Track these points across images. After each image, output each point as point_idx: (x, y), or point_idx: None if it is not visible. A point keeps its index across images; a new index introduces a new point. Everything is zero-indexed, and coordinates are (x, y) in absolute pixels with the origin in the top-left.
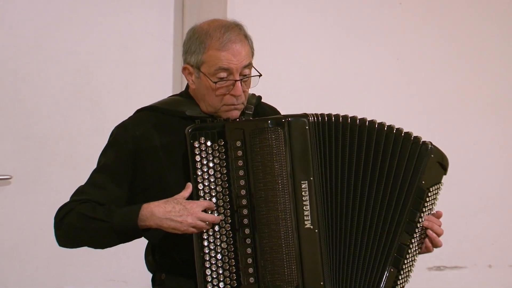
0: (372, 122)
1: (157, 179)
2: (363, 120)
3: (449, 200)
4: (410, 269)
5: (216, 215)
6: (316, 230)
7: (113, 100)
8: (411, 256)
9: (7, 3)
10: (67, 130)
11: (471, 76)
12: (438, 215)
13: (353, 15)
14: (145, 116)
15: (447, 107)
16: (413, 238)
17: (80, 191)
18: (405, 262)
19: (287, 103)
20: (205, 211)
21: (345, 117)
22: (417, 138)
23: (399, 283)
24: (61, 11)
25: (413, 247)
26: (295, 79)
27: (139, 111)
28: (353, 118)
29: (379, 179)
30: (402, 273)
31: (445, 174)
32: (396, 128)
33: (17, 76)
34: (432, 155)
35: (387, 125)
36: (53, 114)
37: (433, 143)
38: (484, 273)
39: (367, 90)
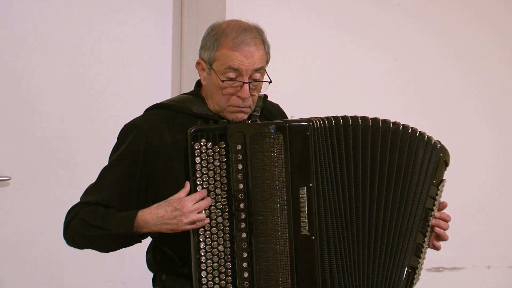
0: (385, 122)
1: (167, 176)
2: (384, 122)
3: (447, 201)
4: (421, 267)
5: (209, 198)
6: (313, 237)
7: (111, 100)
8: (424, 254)
9: (5, 3)
10: (65, 131)
11: (468, 77)
12: (442, 206)
13: (351, 16)
14: (155, 114)
15: (445, 108)
16: (426, 237)
17: (88, 191)
18: (419, 261)
19: (284, 104)
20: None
21: (359, 118)
22: (429, 138)
23: (414, 282)
24: (58, 12)
25: (425, 245)
26: (293, 80)
27: (148, 110)
28: (362, 119)
29: (396, 181)
30: (416, 272)
31: (446, 169)
32: (411, 128)
33: (15, 76)
34: (441, 154)
35: (402, 125)
36: (51, 114)
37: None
38: (482, 274)
39: (365, 92)
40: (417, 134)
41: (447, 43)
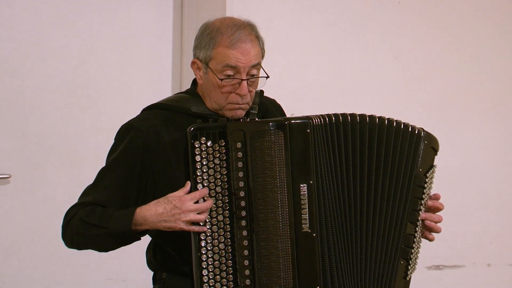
0: (372, 117)
1: (166, 175)
2: (370, 117)
3: (448, 199)
4: (417, 257)
5: (211, 200)
6: (314, 234)
7: (111, 99)
8: (417, 244)
9: (5, 2)
10: (65, 129)
11: (470, 75)
12: (436, 198)
13: (351, 14)
14: (152, 114)
15: (445, 106)
16: (417, 226)
17: (85, 192)
18: (412, 252)
19: (284, 102)
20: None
21: (348, 116)
22: (413, 128)
23: (408, 273)
24: (58, 10)
25: (417, 235)
26: (293, 77)
27: (145, 110)
28: (355, 116)
29: (384, 175)
30: (410, 263)
31: (436, 155)
32: (396, 121)
33: (15, 74)
34: (426, 141)
35: (387, 119)
36: (51, 113)
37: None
38: (483, 272)
39: (366, 89)
40: (402, 126)
41: (448, 40)
